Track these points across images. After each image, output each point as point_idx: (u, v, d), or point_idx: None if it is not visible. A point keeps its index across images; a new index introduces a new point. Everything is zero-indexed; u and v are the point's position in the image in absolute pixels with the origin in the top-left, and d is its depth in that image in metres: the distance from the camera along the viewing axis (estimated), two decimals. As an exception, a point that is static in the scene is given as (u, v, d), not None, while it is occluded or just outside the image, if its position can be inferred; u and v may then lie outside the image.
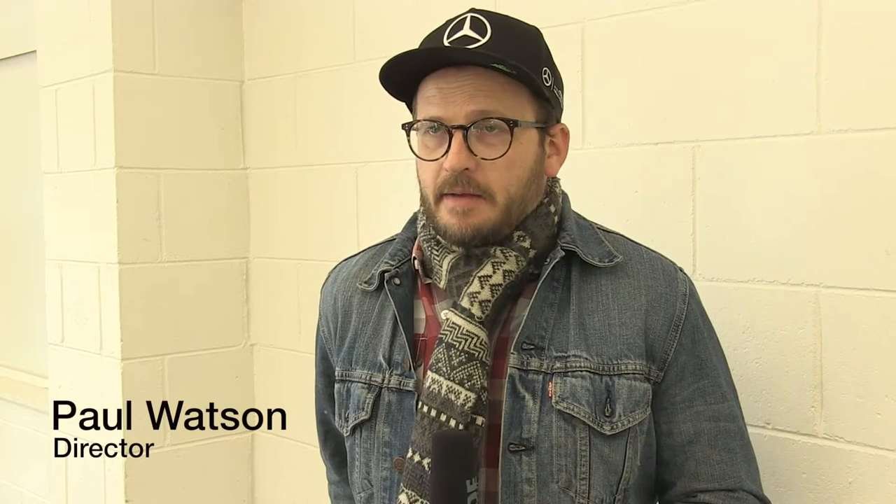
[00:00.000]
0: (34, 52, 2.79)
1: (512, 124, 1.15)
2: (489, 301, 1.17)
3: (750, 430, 1.31)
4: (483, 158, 1.15)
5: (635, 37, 1.68)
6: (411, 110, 1.24)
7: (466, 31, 1.17)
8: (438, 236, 1.22)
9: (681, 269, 1.27)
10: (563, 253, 1.20)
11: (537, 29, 1.25)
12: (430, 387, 1.17)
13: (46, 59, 2.65)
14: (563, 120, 1.27)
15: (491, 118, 1.14)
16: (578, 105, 1.75)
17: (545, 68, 1.20)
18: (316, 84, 2.39)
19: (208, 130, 2.55)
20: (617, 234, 1.30)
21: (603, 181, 1.74)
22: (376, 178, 2.24)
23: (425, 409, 1.16)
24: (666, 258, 1.28)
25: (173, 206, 2.49)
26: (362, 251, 1.39)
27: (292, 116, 2.47)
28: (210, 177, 2.56)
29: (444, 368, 1.16)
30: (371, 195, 2.26)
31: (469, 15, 1.19)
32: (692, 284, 1.27)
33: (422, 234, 1.26)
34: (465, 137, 1.14)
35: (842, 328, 1.43)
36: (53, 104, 2.61)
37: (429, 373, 1.18)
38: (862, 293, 1.41)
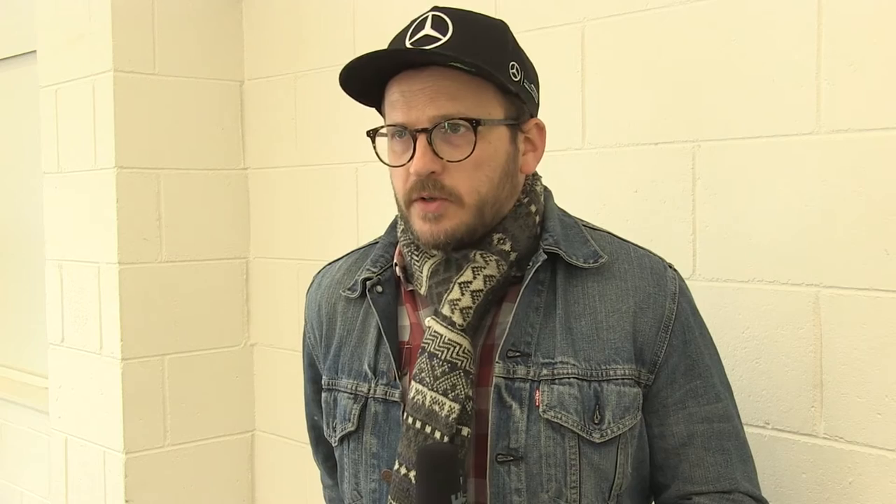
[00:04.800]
0: (34, 52, 2.79)
1: (475, 123, 1.11)
2: (470, 308, 1.14)
3: (750, 430, 1.31)
4: (449, 161, 1.11)
5: (635, 37, 1.68)
6: (382, 115, 1.21)
7: (427, 30, 1.14)
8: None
9: (670, 266, 1.24)
10: (546, 255, 1.17)
11: (503, 22, 1.21)
12: (414, 398, 1.14)
13: (46, 59, 2.65)
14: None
15: (454, 119, 1.11)
16: (578, 105, 1.75)
17: (512, 62, 1.15)
18: (316, 84, 2.39)
19: (208, 130, 2.55)
20: (604, 231, 1.26)
21: (603, 181, 1.73)
22: (376, 178, 2.24)
23: (410, 420, 1.13)
24: (655, 255, 1.24)
25: (173, 206, 2.49)
26: (345, 255, 1.36)
27: (292, 116, 2.47)
28: (210, 177, 2.56)
29: (427, 379, 1.13)
30: (371, 195, 2.26)
31: (430, 14, 1.16)
32: (682, 281, 1.24)
33: (402, 238, 1.23)
34: (430, 141, 1.11)
35: (842, 328, 1.43)
36: (53, 104, 2.61)
37: (412, 383, 1.15)
38: (862, 293, 1.40)
